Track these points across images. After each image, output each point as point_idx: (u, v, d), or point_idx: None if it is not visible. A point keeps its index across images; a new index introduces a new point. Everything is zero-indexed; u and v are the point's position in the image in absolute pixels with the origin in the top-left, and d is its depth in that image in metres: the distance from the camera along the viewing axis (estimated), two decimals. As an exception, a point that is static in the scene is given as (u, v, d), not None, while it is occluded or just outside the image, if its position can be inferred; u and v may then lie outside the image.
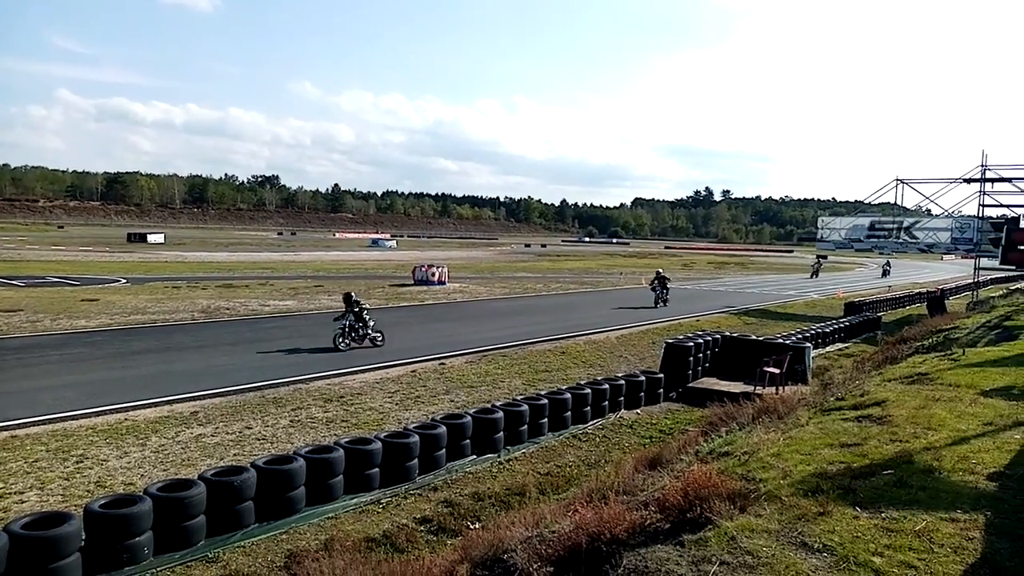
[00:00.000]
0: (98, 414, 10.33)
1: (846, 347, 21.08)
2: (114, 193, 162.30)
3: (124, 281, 29.97)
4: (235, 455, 8.99)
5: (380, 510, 7.74)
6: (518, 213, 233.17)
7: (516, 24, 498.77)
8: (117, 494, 6.64)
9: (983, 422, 7.18)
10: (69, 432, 9.53)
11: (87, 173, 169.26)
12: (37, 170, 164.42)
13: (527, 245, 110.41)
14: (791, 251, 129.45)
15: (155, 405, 10.97)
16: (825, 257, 74.82)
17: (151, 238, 74.07)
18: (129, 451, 8.98)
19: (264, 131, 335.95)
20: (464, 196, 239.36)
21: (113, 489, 7.58)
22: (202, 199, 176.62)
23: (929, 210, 35.47)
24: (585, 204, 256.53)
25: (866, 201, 39.47)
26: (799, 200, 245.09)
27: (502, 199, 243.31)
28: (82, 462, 8.51)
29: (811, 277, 52.86)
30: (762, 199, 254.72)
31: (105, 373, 13.06)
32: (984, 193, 31.54)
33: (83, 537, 5.75)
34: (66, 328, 17.50)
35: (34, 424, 9.72)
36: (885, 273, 58.43)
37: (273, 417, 10.80)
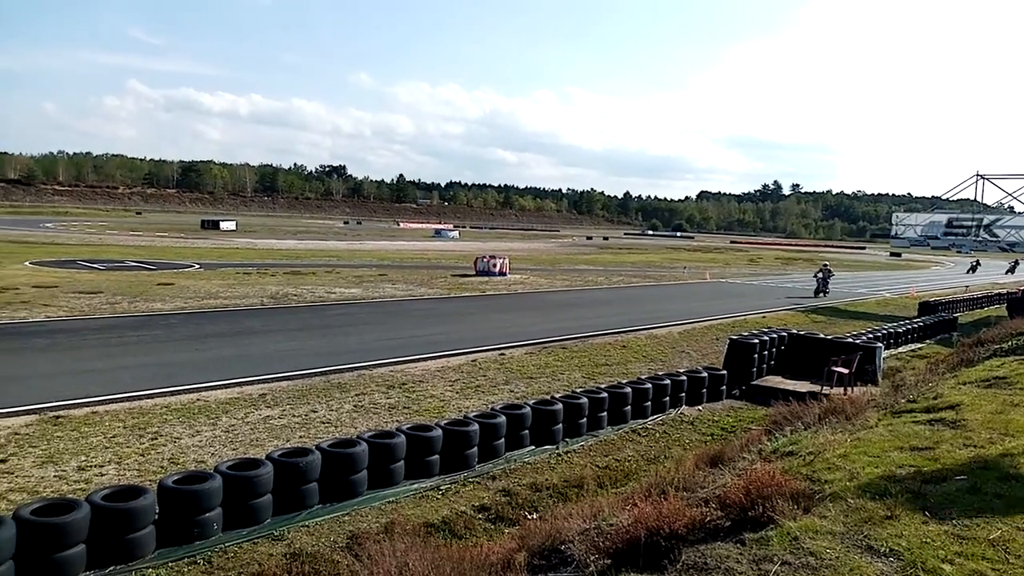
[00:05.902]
0: (172, 393, 10.75)
1: (919, 348, 20.33)
2: (188, 181, 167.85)
3: (198, 266, 31.02)
4: (301, 437, 9.23)
5: (439, 496, 7.83)
6: (580, 205, 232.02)
7: (569, 14, 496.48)
8: (189, 471, 6.88)
9: (1066, 430, 6.85)
10: (145, 410, 9.94)
11: (163, 161, 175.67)
12: (117, 158, 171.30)
13: (589, 238, 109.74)
14: (863, 248, 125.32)
15: (226, 387, 11.34)
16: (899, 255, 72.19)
17: (223, 225, 76.19)
18: (201, 430, 9.31)
19: (325, 122, 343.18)
20: (527, 187, 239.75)
21: (185, 466, 7.87)
22: (272, 188, 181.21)
23: (1011, 207, 34.01)
24: (649, 197, 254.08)
25: (943, 197, 38.25)
26: (872, 195, 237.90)
27: (564, 191, 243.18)
28: (156, 439, 8.86)
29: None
30: (833, 193, 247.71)
31: (179, 354, 13.56)
32: (1073, 190, 30.03)
33: (157, 511, 6.00)
34: (143, 310, 18.23)
35: (113, 401, 10.17)
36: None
37: (337, 402, 11.04)
